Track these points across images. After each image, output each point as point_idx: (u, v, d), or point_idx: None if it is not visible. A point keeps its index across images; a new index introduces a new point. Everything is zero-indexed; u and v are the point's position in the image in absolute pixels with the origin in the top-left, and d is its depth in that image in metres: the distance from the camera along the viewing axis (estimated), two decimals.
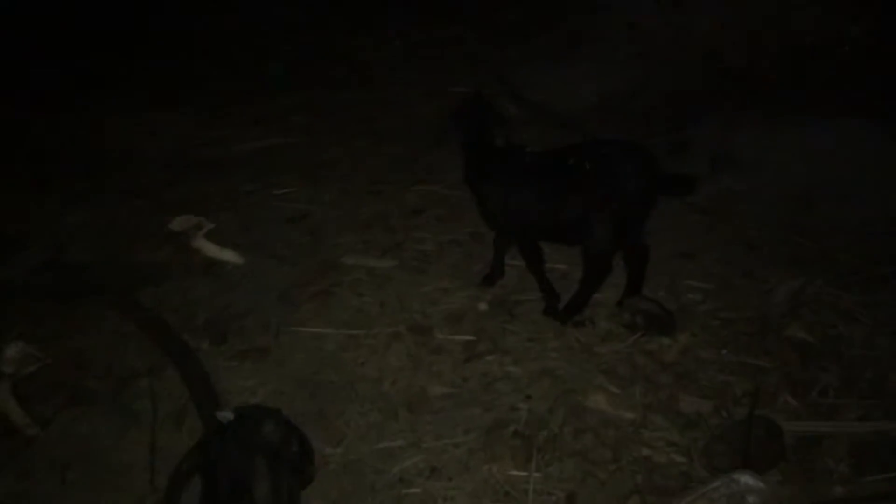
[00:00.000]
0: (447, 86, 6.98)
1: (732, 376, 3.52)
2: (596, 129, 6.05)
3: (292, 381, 3.56)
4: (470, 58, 7.38)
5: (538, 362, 3.69)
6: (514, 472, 3.12)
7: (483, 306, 4.08)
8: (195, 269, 3.89)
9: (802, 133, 5.36)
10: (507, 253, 4.26)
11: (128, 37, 7.10)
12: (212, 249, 3.84)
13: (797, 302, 3.92)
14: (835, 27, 6.41)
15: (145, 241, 4.01)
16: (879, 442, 3.14)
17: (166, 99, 6.46)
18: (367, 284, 4.22)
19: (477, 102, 4.03)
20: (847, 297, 3.92)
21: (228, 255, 3.89)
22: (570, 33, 7.16)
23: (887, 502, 2.91)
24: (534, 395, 3.49)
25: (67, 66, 6.35)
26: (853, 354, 3.58)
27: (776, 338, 3.71)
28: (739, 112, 5.81)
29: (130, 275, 3.88)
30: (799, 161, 5.14)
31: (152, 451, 3.01)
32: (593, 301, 4.00)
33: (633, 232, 3.90)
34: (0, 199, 4.58)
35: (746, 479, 2.81)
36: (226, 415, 2.18)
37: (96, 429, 3.15)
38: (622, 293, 4.01)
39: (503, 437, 3.26)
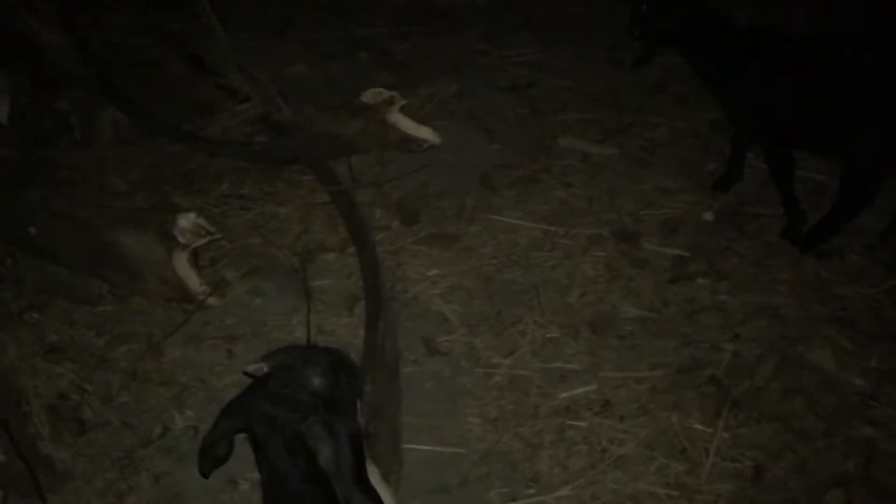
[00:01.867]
0: None
1: None
2: None
3: (475, 276, 3.30)
4: None
5: (760, 295, 3.11)
6: (699, 427, 2.68)
7: (708, 216, 3.50)
8: (391, 143, 3.67)
9: None
10: (749, 152, 3.57)
11: None
12: (408, 125, 3.58)
13: None
14: None
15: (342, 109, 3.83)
16: None
17: None
18: (579, 173, 3.77)
19: None
20: None
21: (425, 133, 3.61)
22: None
23: None
24: (744, 335, 2.96)
25: None
26: None
27: None
28: None
29: (331, 143, 3.74)
30: None
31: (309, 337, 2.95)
32: (848, 227, 3.26)
33: None
34: (241, 44, 4.60)
35: None
36: (260, 367, 1.91)
37: (269, 303, 3.14)
38: (889, 222, 3.22)
39: (695, 381, 2.82)
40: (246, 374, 1.92)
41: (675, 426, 2.69)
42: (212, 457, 1.82)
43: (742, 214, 3.48)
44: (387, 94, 3.49)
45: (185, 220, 2.88)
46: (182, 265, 2.96)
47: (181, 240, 2.89)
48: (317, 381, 1.83)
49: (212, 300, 3.05)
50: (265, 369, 1.87)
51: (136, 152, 4.01)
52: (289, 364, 1.88)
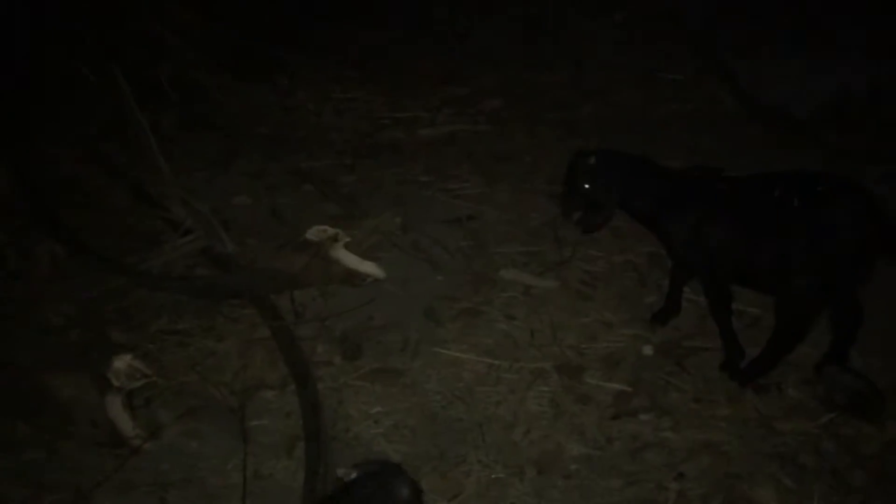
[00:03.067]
0: (661, 72, 6.29)
1: None
2: (828, 135, 5.15)
3: (419, 414, 3.25)
4: (690, 40, 6.56)
5: (701, 432, 3.12)
6: None
7: (648, 350, 3.53)
8: (335, 277, 3.67)
9: None
10: (686, 286, 3.67)
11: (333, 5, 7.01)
12: (352, 260, 3.60)
13: None
14: None
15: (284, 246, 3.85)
16: None
17: (362, 74, 6.31)
18: (521, 306, 3.80)
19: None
20: None
21: (369, 268, 3.63)
22: (812, 18, 6.11)
23: None
24: (688, 473, 2.94)
25: (263, 31, 6.34)
26: None
27: None
28: None
29: (274, 278, 3.73)
30: None
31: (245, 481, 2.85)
32: (784, 361, 3.33)
33: (845, 287, 3.17)
34: (185, 176, 4.63)
35: None
36: (348, 472, 2.03)
37: (205, 446, 3.04)
38: (822, 357, 3.30)
39: None
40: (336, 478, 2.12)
41: None
42: None
43: (681, 348, 3.53)
44: (331, 231, 3.53)
45: (121, 362, 2.80)
46: (115, 408, 2.86)
47: (115, 382, 2.81)
48: (405, 492, 2.02)
49: (143, 444, 2.94)
50: (353, 475, 2.04)
51: (74, 286, 3.93)
52: (376, 472, 2.08)
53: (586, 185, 3.40)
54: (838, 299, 3.20)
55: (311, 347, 3.54)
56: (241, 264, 3.82)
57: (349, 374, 3.44)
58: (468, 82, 6.29)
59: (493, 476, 2.96)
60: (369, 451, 3.07)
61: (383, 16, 7.14)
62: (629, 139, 5.16)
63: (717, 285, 3.37)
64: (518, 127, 5.62)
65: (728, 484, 2.88)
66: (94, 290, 3.87)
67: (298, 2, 7.01)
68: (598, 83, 6.17)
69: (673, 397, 3.29)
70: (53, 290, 3.91)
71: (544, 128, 5.56)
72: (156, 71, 5.61)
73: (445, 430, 3.19)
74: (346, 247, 3.65)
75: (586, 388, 3.35)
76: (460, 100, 6.03)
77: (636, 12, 7.01)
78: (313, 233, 3.53)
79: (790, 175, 3.29)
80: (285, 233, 4.24)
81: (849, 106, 5.35)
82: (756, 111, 5.65)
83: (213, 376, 3.38)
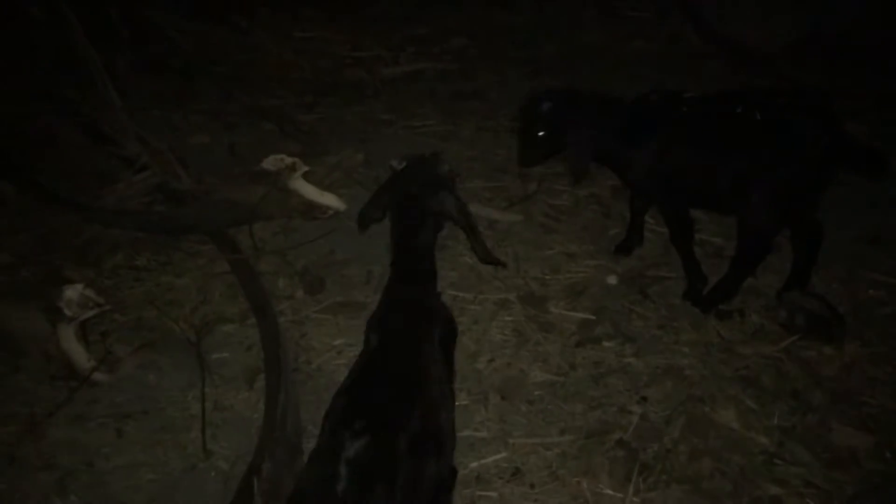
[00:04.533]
0: (624, 10, 6.23)
1: None
2: (791, 71, 5.15)
3: None
4: None
5: (664, 357, 3.13)
6: (608, 491, 2.64)
7: (612, 279, 3.53)
8: (295, 210, 3.59)
9: None
10: (649, 216, 3.66)
11: None
12: (312, 192, 3.52)
13: None
14: None
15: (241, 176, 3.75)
16: None
17: (323, 16, 6.15)
18: (486, 239, 3.72)
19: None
20: None
21: (329, 200, 3.55)
22: None
23: None
24: (651, 397, 2.96)
25: None
26: None
27: None
28: None
29: (232, 211, 3.64)
30: None
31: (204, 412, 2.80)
32: (746, 287, 3.34)
33: (805, 207, 3.18)
34: (140, 114, 4.49)
35: None
36: (399, 160, 2.81)
37: (164, 378, 2.98)
38: (784, 282, 3.32)
39: (604, 445, 2.79)
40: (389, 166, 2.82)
41: (586, 492, 2.64)
42: (367, 219, 2.75)
43: (645, 277, 3.53)
44: (289, 160, 3.44)
45: (72, 292, 2.72)
46: (68, 339, 2.78)
47: (67, 312, 2.73)
48: (443, 169, 2.74)
49: (99, 375, 2.87)
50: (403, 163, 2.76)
51: (25, 223, 3.82)
52: (421, 158, 2.78)
53: (541, 133, 3.34)
54: (798, 217, 3.21)
55: (273, 281, 3.48)
56: (198, 199, 3.71)
57: (311, 307, 3.40)
58: (431, 22, 6.18)
59: (457, 403, 2.94)
60: (332, 383, 3.02)
61: None
62: (593, 77, 5.14)
63: (678, 211, 3.36)
64: (482, 65, 5.54)
65: (690, 406, 2.90)
66: (46, 227, 3.76)
67: None
68: (562, 22, 6.09)
69: (636, 324, 3.29)
70: (4, 227, 3.79)
71: (509, 66, 5.50)
72: (107, 10, 5.42)
73: None
74: (306, 178, 3.57)
75: (550, 318, 3.34)
76: (423, 39, 5.94)
77: None
78: (270, 162, 3.44)
79: (751, 93, 3.30)
80: (244, 168, 4.14)
81: (814, 44, 5.34)
82: (720, 47, 5.62)
83: (171, 311, 3.31)
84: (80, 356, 2.82)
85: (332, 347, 3.21)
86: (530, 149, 3.43)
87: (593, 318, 3.32)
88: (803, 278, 3.27)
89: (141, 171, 3.94)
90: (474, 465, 2.74)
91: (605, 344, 3.20)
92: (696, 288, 3.37)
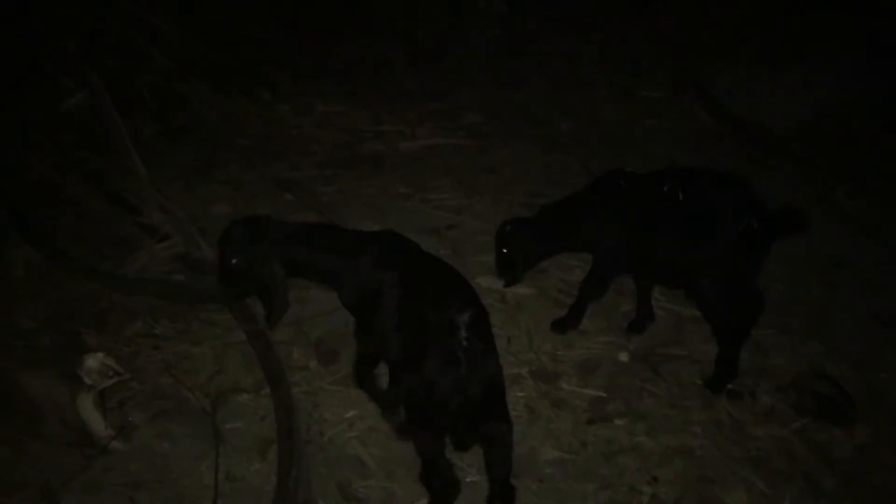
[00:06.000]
0: (637, 89, 6.39)
1: None
2: (804, 151, 5.25)
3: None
4: (666, 58, 6.67)
5: (676, 436, 3.14)
6: None
7: (624, 357, 3.55)
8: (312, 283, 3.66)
9: None
10: (656, 293, 3.71)
11: (316, 17, 7.07)
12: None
13: None
14: None
15: None
16: None
17: (344, 90, 6.34)
18: (499, 313, 3.81)
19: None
20: None
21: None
22: (796, 34, 6.22)
23: None
24: (662, 477, 2.96)
25: (247, 45, 6.41)
26: None
27: None
28: None
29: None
30: None
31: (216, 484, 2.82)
32: (756, 368, 3.37)
33: (741, 274, 3.26)
34: (164, 184, 4.61)
35: None
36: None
37: (178, 448, 3.01)
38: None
39: None
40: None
41: None
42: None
43: (656, 355, 3.56)
44: None
45: (93, 361, 2.78)
46: (86, 407, 2.82)
47: (87, 381, 2.78)
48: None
49: (115, 444, 2.90)
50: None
51: (47, 290, 3.89)
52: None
53: (504, 250, 3.63)
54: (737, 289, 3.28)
55: (287, 352, 3.53)
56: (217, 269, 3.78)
57: (325, 378, 3.43)
58: (448, 98, 6.34)
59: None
60: (343, 455, 3.06)
61: (365, 32, 7.22)
62: (607, 155, 5.25)
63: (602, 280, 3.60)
64: (497, 141, 5.66)
65: (701, 487, 2.90)
66: (67, 294, 3.84)
67: (282, 16, 7.09)
68: (576, 100, 6.24)
69: (648, 403, 3.31)
70: (26, 293, 3.87)
71: (523, 142, 5.62)
72: (135, 81, 5.62)
73: None
74: None
75: (562, 394, 3.36)
76: (440, 114, 6.07)
77: (614, 33, 7.13)
78: None
79: (678, 171, 3.52)
80: None
81: (823, 123, 5.45)
82: (731, 127, 5.74)
83: (187, 379, 3.35)
84: (98, 424, 2.86)
85: (345, 419, 3.23)
86: (508, 269, 3.68)
87: (605, 395, 3.34)
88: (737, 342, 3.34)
89: (163, 241, 4.03)
90: None
91: (617, 422, 3.21)
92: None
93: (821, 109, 5.63)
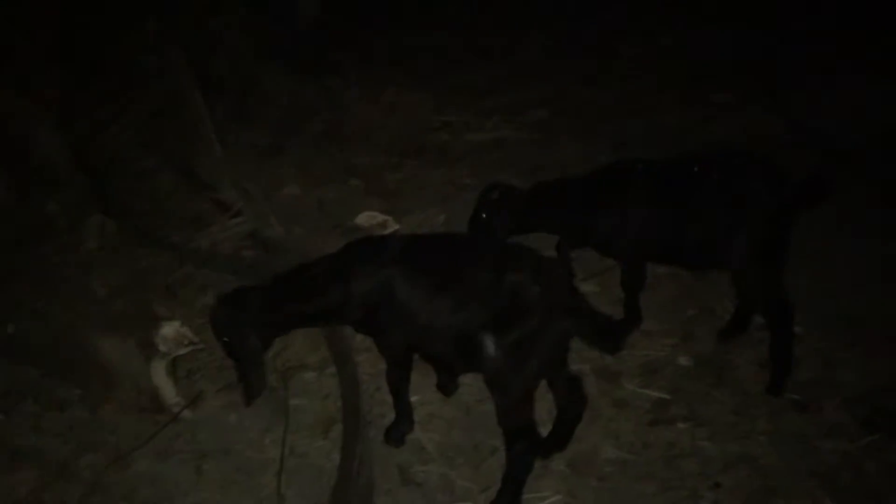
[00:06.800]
0: (707, 93, 6.29)
1: None
2: (879, 163, 5.12)
3: (454, 406, 3.27)
4: (740, 64, 6.57)
5: (739, 444, 3.08)
6: None
7: (687, 360, 3.51)
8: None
9: None
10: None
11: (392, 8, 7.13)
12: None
13: None
14: None
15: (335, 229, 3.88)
16: None
17: (411, 80, 6.38)
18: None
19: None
20: None
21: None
22: (872, 46, 6.07)
23: None
24: (725, 484, 2.91)
25: (318, 32, 6.48)
26: None
27: None
28: None
29: None
30: None
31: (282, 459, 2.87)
32: (824, 381, 3.30)
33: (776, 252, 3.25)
34: (233, 166, 4.70)
35: None
36: None
37: (244, 420, 3.07)
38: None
39: None
40: None
41: None
42: None
43: (720, 361, 3.50)
44: (380, 217, 3.55)
45: (170, 328, 2.84)
46: (160, 374, 2.90)
47: (162, 348, 2.84)
48: None
49: (185, 413, 2.97)
50: None
51: (121, 259, 4.01)
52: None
53: (483, 215, 3.59)
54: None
55: (352, 333, 3.56)
56: (289, 247, 3.84)
57: None
58: (516, 92, 6.34)
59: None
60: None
61: (435, 23, 7.25)
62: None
63: (637, 270, 3.56)
64: (564, 137, 5.64)
65: (765, 497, 2.84)
66: (141, 264, 3.94)
67: (353, 5, 7.15)
68: (646, 101, 6.18)
69: (712, 409, 3.26)
70: (101, 261, 3.98)
71: (590, 140, 5.58)
72: (209, 62, 5.72)
73: (479, 423, 3.19)
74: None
75: (624, 394, 3.34)
76: (507, 107, 6.08)
77: (686, 38, 7.04)
78: (363, 218, 3.57)
79: (705, 154, 3.51)
80: (330, 222, 4.29)
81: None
82: (804, 138, 5.62)
83: None
84: (170, 392, 2.93)
85: None
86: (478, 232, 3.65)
87: (668, 397, 3.31)
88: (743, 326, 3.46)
89: (235, 217, 4.10)
90: None
91: (680, 425, 3.18)
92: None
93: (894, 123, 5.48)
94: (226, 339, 2.84)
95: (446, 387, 3.28)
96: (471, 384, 3.35)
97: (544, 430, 3.03)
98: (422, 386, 3.31)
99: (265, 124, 5.43)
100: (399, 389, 3.03)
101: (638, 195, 3.39)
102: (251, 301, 2.85)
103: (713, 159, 3.35)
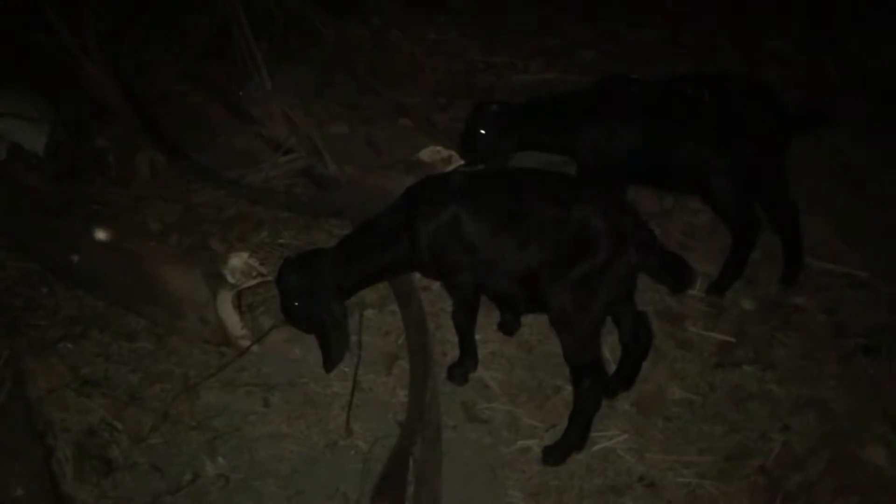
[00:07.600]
0: (761, 35, 6.11)
1: None
2: None
3: (516, 345, 3.24)
4: (795, 8, 6.35)
5: (808, 387, 3.05)
6: None
7: (750, 304, 3.45)
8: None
9: None
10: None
11: None
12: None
13: None
14: None
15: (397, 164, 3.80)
16: None
17: (456, 21, 6.22)
18: None
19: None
20: None
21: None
22: None
23: None
24: (794, 427, 2.88)
25: None
26: None
27: None
28: None
29: (382, 198, 3.68)
30: None
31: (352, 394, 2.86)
32: (893, 327, 3.24)
33: (771, 184, 3.29)
34: (283, 101, 4.61)
35: None
36: None
37: (308, 355, 3.05)
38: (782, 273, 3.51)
39: (744, 469, 2.73)
40: None
41: None
42: None
43: (786, 305, 3.45)
44: (445, 152, 3.47)
45: (238, 260, 2.81)
46: (226, 307, 2.87)
47: (230, 279, 2.81)
48: None
49: (252, 346, 2.96)
50: None
51: (173, 195, 3.96)
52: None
53: (482, 131, 3.58)
54: (769, 199, 3.32)
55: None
56: (343, 184, 3.78)
57: (447, 300, 3.36)
58: (562, 34, 6.16)
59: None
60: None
61: None
62: None
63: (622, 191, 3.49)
64: None
65: (835, 440, 2.81)
66: (193, 200, 3.90)
67: None
68: (697, 45, 6.01)
69: (778, 352, 3.22)
70: (153, 196, 3.95)
71: None
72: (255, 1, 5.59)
73: (541, 362, 3.17)
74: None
75: (688, 336, 3.30)
76: (553, 50, 5.92)
77: None
78: (427, 153, 3.48)
79: (698, 76, 3.48)
80: (381, 161, 4.22)
81: None
82: (860, 80, 5.46)
83: None
84: (236, 324, 2.91)
85: None
86: (473, 149, 3.64)
87: (733, 340, 3.27)
88: (796, 258, 3.43)
89: (287, 153, 4.04)
90: (610, 473, 2.73)
91: (746, 368, 3.14)
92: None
93: None
94: (297, 303, 2.80)
95: (510, 325, 3.24)
96: (531, 324, 3.32)
97: (609, 371, 3.02)
98: (482, 325, 3.27)
99: (310, 63, 5.32)
100: (466, 329, 2.99)
101: (624, 109, 3.38)
102: (324, 264, 2.82)
103: (708, 80, 3.33)
